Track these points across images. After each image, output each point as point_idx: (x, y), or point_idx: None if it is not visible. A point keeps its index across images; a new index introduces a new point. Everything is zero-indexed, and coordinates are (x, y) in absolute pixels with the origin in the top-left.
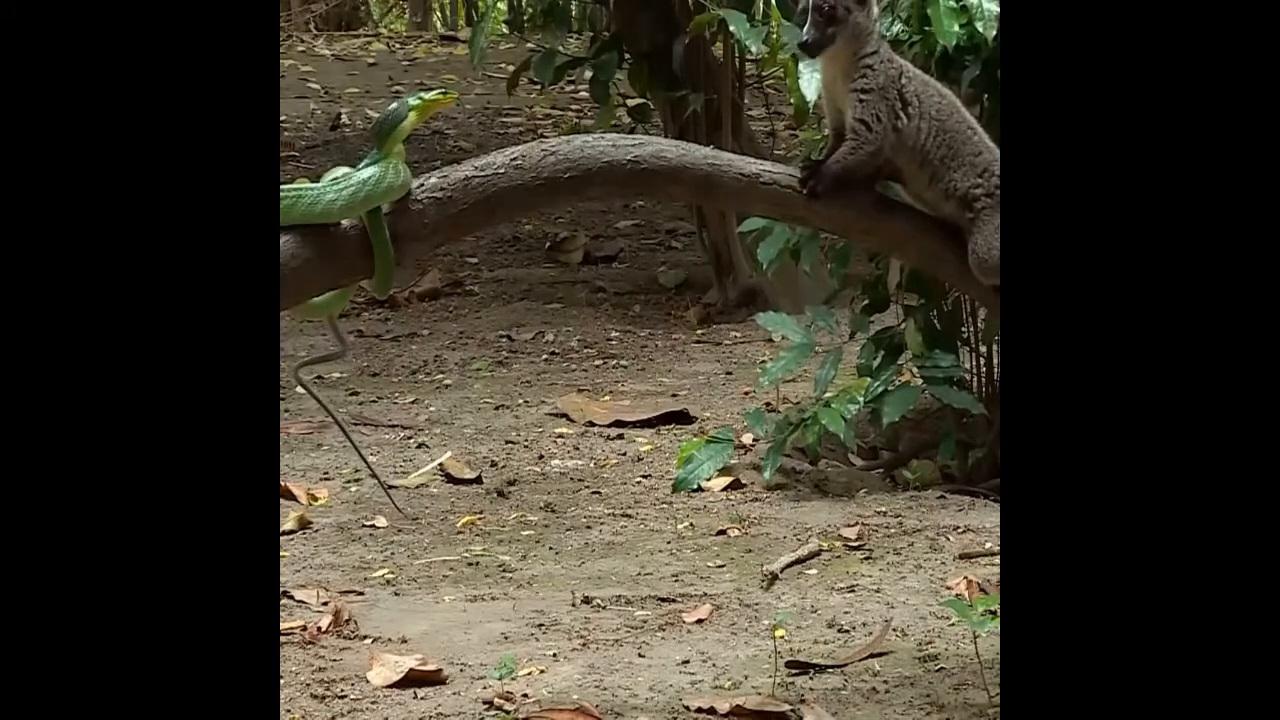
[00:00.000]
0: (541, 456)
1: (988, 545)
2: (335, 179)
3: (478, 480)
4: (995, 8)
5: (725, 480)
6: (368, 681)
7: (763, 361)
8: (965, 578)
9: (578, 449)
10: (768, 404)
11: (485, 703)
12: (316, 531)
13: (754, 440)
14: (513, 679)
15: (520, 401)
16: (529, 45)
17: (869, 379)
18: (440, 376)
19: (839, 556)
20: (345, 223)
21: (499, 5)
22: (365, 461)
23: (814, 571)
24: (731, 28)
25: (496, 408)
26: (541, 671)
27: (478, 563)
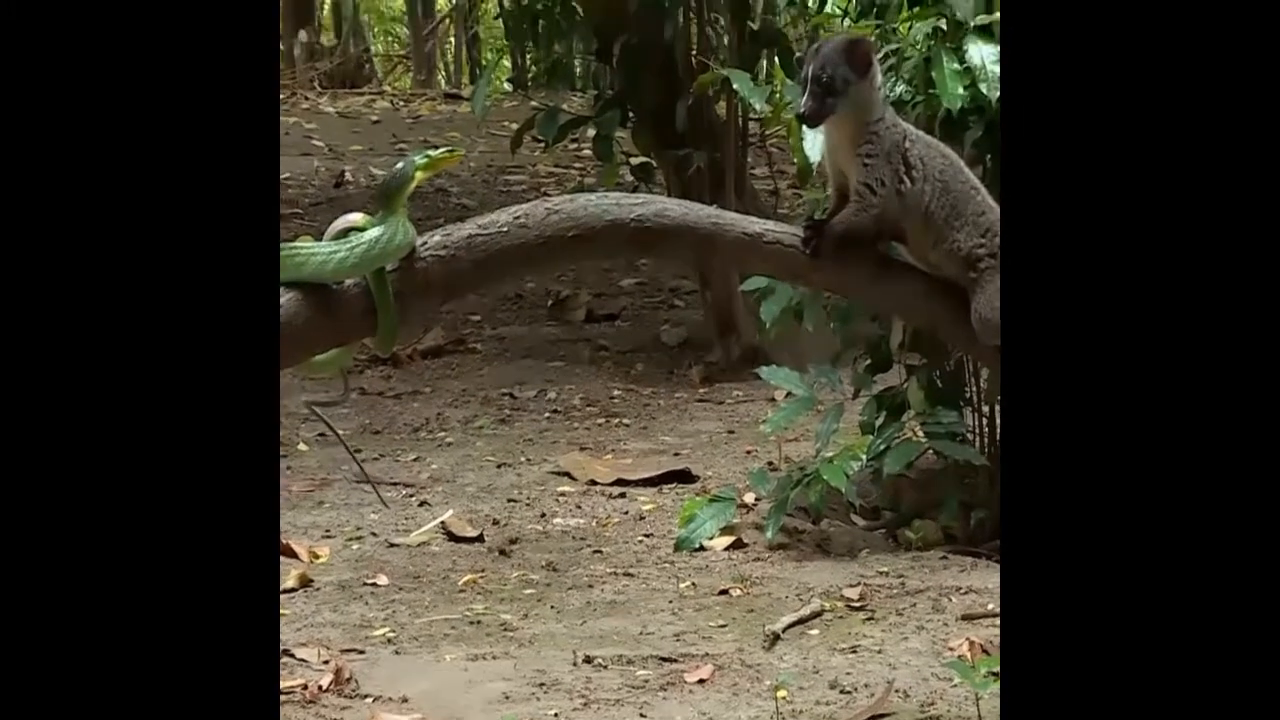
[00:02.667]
0: (543, 515)
1: (990, 606)
2: (346, 238)
3: (480, 538)
4: (999, 70)
5: (727, 539)
6: None
7: (765, 419)
8: (968, 639)
9: (580, 508)
10: (770, 463)
11: None
12: (318, 589)
13: (756, 499)
14: None
15: (522, 459)
16: (533, 103)
17: (871, 437)
18: (442, 434)
19: (841, 617)
20: (348, 281)
21: (502, 63)
22: (359, 465)
23: (816, 632)
24: (735, 87)
25: (499, 466)
26: None
27: (479, 621)
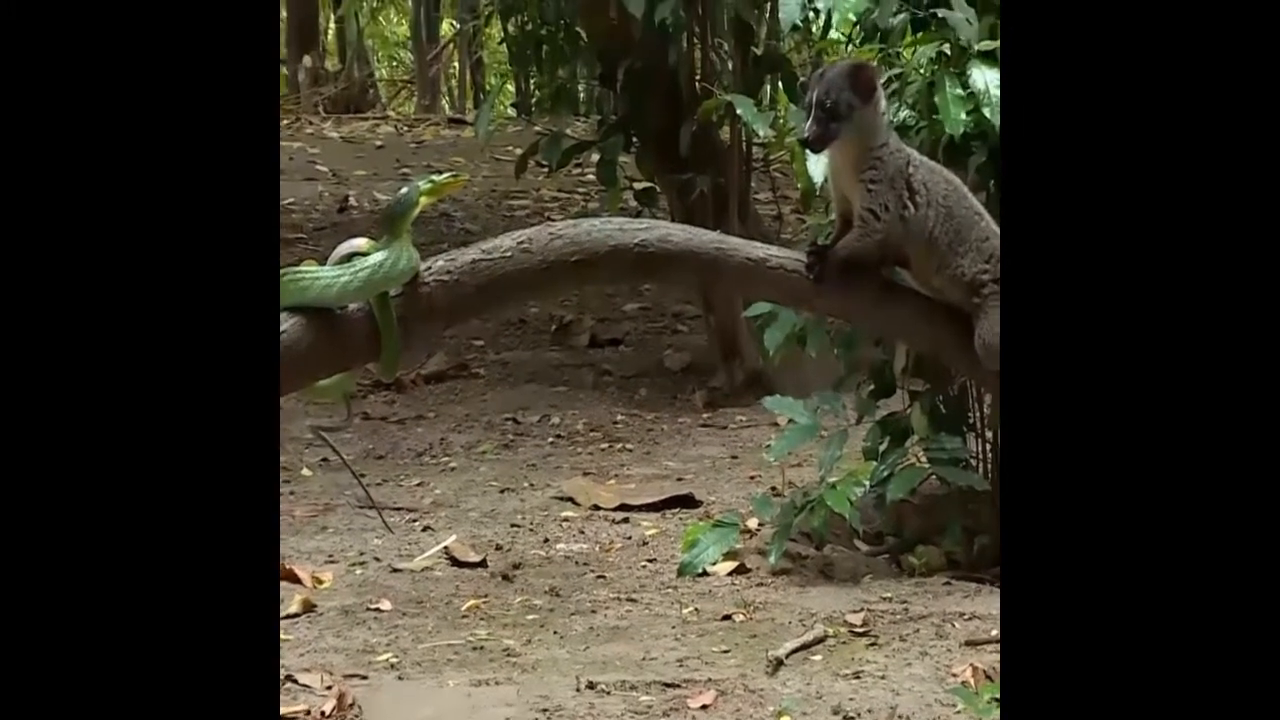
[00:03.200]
0: (547, 540)
1: (993, 632)
2: (350, 263)
3: (483, 564)
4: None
5: (730, 565)
6: None
7: (768, 445)
8: (971, 665)
9: (583, 533)
10: (773, 489)
11: None
12: (321, 615)
13: (759, 525)
14: None
15: (526, 485)
16: (536, 128)
17: (875, 462)
18: (446, 459)
19: (844, 642)
20: (352, 306)
21: (506, 88)
22: (364, 490)
23: (819, 657)
24: (739, 112)
25: (502, 491)
26: None
27: (482, 647)
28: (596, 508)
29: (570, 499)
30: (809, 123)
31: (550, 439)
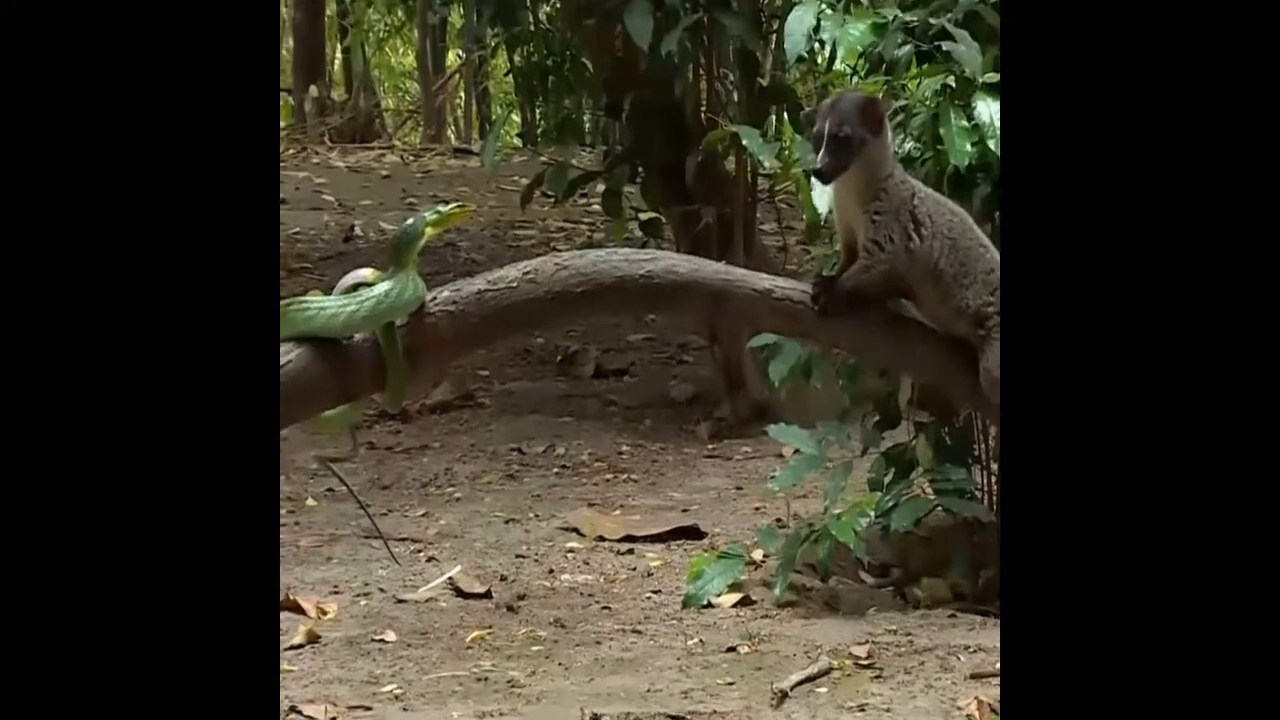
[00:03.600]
0: (551, 571)
1: (998, 665)
2: (355, 293)
3: (487, 594)
4: None
5: (735, 596)
6: None
7: (773, 476)
8: (976, 698)
9: (588, 564)
10: (778, 520)
11: None
12: (325, 645)
13: (764, 556)
14: None
15: (531, 515)
16: (542, 159)
17: (880, 493)
18: (451, 489)
19: (849, 675)
20: (358, 336)
21: (512, 118)
22: (371, 520)
23: (824, 690)
24: (744, 143)
25: (507, 521)
26: None
27: (486, 678)
28: (601, 538)
29: (575, 530)
30: (821, 154)
31: (555, 469)
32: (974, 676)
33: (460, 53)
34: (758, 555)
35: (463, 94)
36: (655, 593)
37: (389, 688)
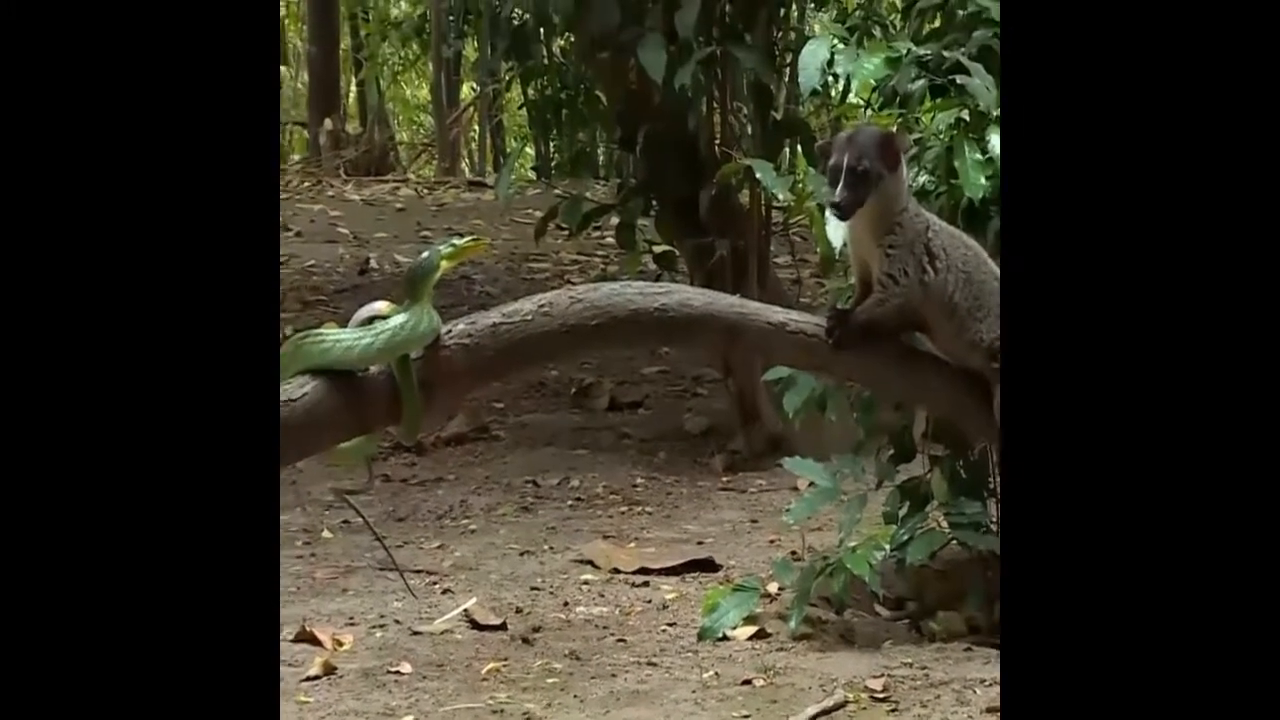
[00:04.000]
0: (566, 603)
1: None
2: (371, 326)
3: (502, 627)
4: None
5: (751, 629)
6: None
7: (788, 509)
8: None
9: (603, 596)
10: (793, 553)
11: None
12: (341, 677)
13: (779, 589)
14: None
15: (546, 548)
16: (556, 192)
17: (895, 527)
18: (466, 521)
19: (865, 708)
20: (373, 369)
21: (526, 151)
22: (387, 552)
23: None
24: (758, 176)
25: (522, 554)
26: None
27: (502, 710)
28: (616, 571)
29: (590, 562)
30: (839, 188)
31: (570, 502)
32: (990, 710)
33: (474, 86)
34: (773, 588)
35: (477, 127)
36: (670, 625)
37: None
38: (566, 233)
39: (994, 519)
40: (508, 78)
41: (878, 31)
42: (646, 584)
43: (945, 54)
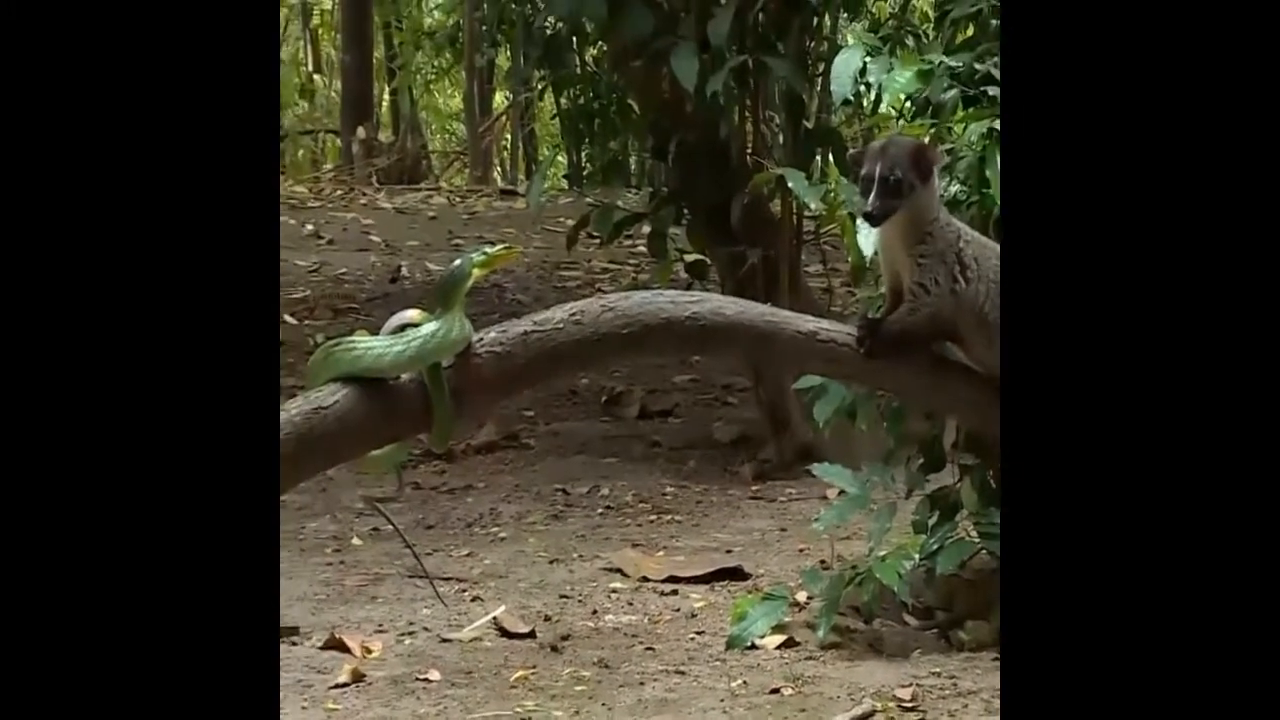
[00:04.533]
0: (595, 612)
1: None
2: (403, 333)
3: (531, 635)
4: None
5: (779, 638)
6: None
7: (817, 517)
8: None
9: (632, 604)
10: (822, 561)
11: None
12: (370, 684)
13: (808, 598)
14: None
15: (575, 556)
16: (588, 200)
17: (924, 536)
18: (495, 529)
19: (893, 717)
20: (405, 376)
21: (558, 159)
22: (418, 560)
23: None
24: (790, 185)
25: (551, 561)
26: None
27: (530, 718)
28: (645, 579)
29: (619, 570)
30: (872, 196)
31: (599, 510)
32: None
33: (507, 95)
34: (801, 597)
35: (509, 136)
36: (699, 634)
37: None
38: (598, 241)
39: None
40: (540, 87)
41: (910, 41)
42: (675, 592)
43: (978, 65)
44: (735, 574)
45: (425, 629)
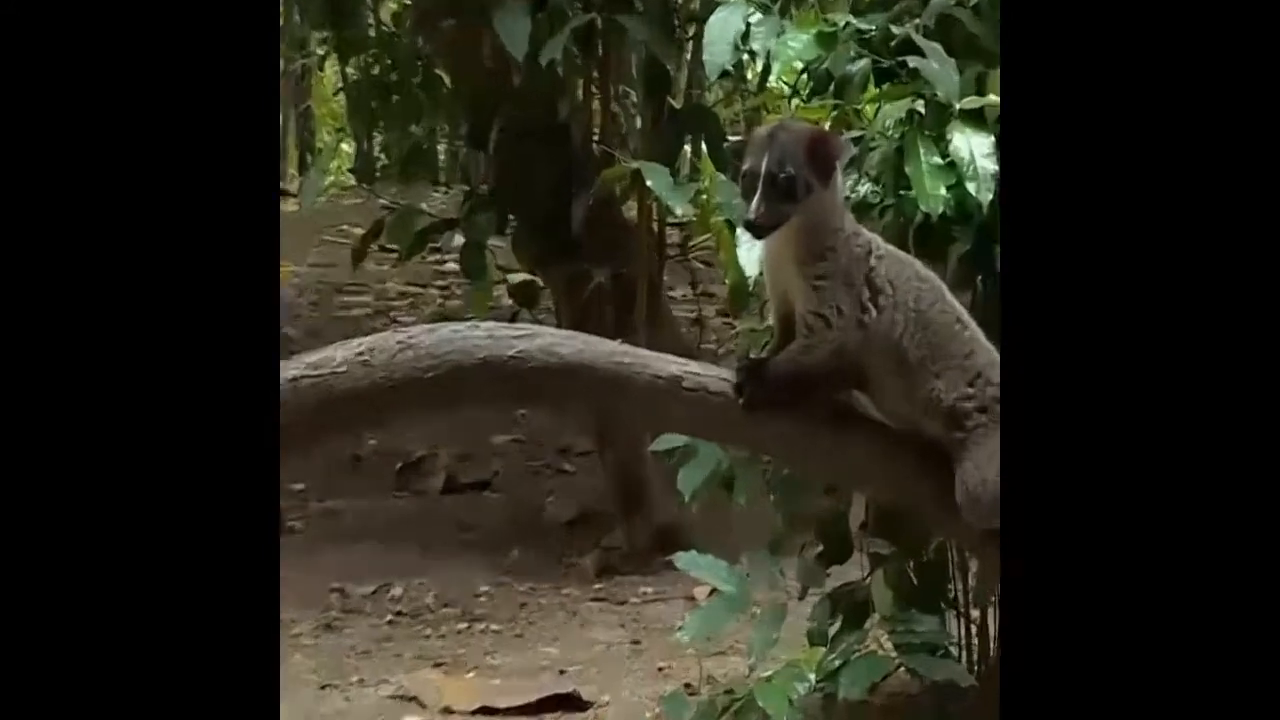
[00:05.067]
0: None
1: None
2: None
3: None
4: (993, 166)
5: None
6: None
7: (680, 625)
8: None
9: None
10: (687, 685)
11: None
12: None
13: None
14: None
15: (354, 680)
16: (382, 202)
17: (823, 649)
18: None
19: None
20: None
21: (342, 147)
22: None
23: None
24: (649, 183)
25: (322, 687)
26: None
27: None
28: (449, 710)
29: (414, 698)
30: (755, 200)
31: (388, 617)
32: None
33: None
34: None
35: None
36: None
37: None
38: (394, 255)
39: (955, 639)
40: (321, 52)
41: None
42: None
43: (894, 28)
44: (570, 702)
45: None
